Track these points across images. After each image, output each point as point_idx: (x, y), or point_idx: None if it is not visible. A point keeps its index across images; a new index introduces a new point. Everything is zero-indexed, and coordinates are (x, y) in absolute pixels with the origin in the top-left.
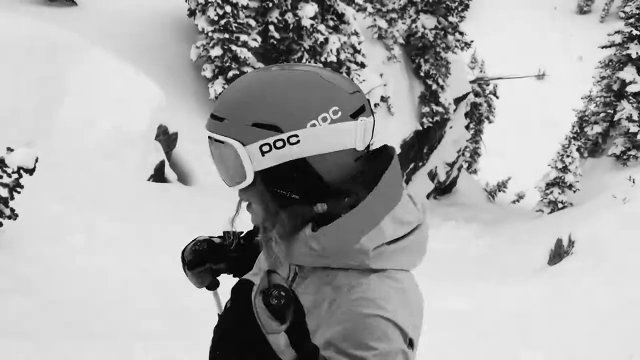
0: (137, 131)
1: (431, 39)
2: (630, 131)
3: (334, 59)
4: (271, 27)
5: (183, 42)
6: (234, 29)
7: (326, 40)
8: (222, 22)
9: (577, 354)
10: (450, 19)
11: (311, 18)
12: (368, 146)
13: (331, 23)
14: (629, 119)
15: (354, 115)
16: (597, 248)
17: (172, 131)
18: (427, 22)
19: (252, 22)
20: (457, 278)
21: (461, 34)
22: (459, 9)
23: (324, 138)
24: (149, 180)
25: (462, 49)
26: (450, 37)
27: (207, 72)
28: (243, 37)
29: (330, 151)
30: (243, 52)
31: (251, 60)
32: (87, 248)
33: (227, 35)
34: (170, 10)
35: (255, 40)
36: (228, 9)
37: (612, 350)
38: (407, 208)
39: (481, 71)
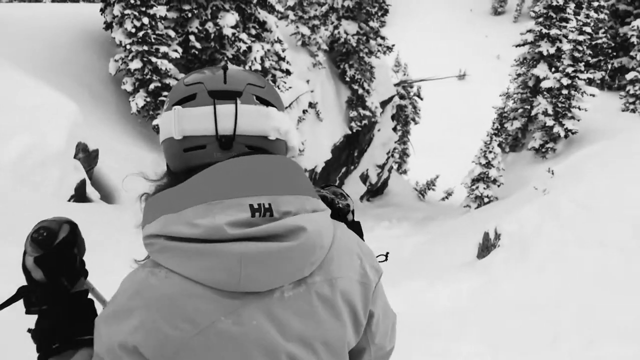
0: (53, 150)
1: (354, 45)
2: (546, 125)
3: (259, 67)
4: (192, 37)
5: (101, 56)
6: (153, 40)
7: (249, 48)
8: (140, 34)
9: (507, 343)
10: (371, 24)
11: (232, 27)
12: (224, 140)
13: (253, 31)
14: (545, 113)
15: (175, 105)
16: (521, 239)
17: (93, 148)
18: (349, 28)
19: (172, 33)
20: (390, 278)
21: (382, 38)
22: (379, 14)
23: (160, 126)
24: (69, 201)
25: (384, 53)
26: (372, 42)
27: (128, 86)
28: (163, 49)
29: (163, 138)
30: (164, 64)
31: (173, 72)
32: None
33: (146, 47)
34: (85, 24)
35: (176, 51)
36: (146, 20)
37: (539, 338)
38: (207, 213)
39: (405, 74)
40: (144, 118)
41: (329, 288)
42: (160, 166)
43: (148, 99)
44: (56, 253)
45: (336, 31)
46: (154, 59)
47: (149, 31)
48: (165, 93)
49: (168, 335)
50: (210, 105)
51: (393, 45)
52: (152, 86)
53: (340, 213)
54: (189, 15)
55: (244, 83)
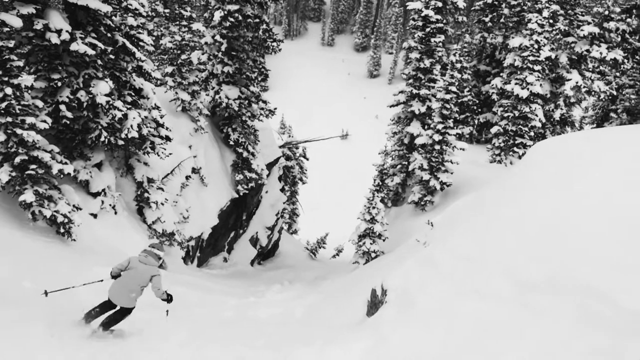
0: None
1: (236, 109)
2: (423, 179)
3: (136, 134)
4: (62, 107)
5: None
6: (17, 111)
7: (125, 116)
8: (3, 105)
9: None
10: (252, 88)
11: (107, 95)
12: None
13: (129, 99)
14: (421, 168)
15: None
16: (406, 293)
17: None
18: (230, 92)
19: (40, 103)
20: (282, 346)
21: (264, 102)
22: (259, 78)
23: None
24: None
25: (267, 116)
26: (254, 106)
27: None
28: (30, 120)
29: None
30: (31, 135)
31: (42, 143)
32: None
33: (10, 119)
34: None
35: (44, 121)
36: (9, 90)
37: None
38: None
39: (290, 136)
40: (9, 194)
41: (147, 269)
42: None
43: (14, 174)
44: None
45: (217, 96)
46: (19, 131)
47: (13, 102)
48: (33, 166)
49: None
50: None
51: (275, 109)
52: (18, 159)
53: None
54: (59, 84)
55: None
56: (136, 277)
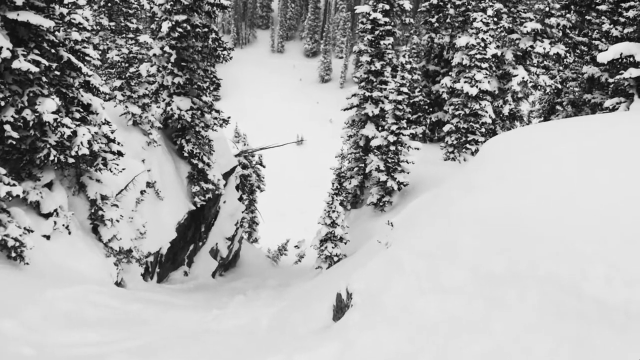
0: None
1: (189, 120)
2: (381, 180)
3: (86, 151)
4: (7, 127)
5: None
6: None
7: (74, 133)
8: None
9: None
10: (204, 98)
11: (54, 112)
12: None
13: (77, 115)
14: (378, 169)
15: None
16: (371, 295)
17: None
18: (181, 104)
19: None
20: (248, 357)
21: (217, 111)
22: (211, 88)
23: None
24: None
25: (221, 125)
26: (207, 116)
27: None
28: None
29: None
30: None
31: None
32: None
33: None
34: None
35: None
36: None
37: None
38: None
39: (245, 144)
40: None
41: None
42: None
43: None
44: None
45: (169, 108)
46: None
47: None
48: None
49: None
50: None
51: (229, 118)
52: None
53: None
54: (2, 103)
55: None
56: None
